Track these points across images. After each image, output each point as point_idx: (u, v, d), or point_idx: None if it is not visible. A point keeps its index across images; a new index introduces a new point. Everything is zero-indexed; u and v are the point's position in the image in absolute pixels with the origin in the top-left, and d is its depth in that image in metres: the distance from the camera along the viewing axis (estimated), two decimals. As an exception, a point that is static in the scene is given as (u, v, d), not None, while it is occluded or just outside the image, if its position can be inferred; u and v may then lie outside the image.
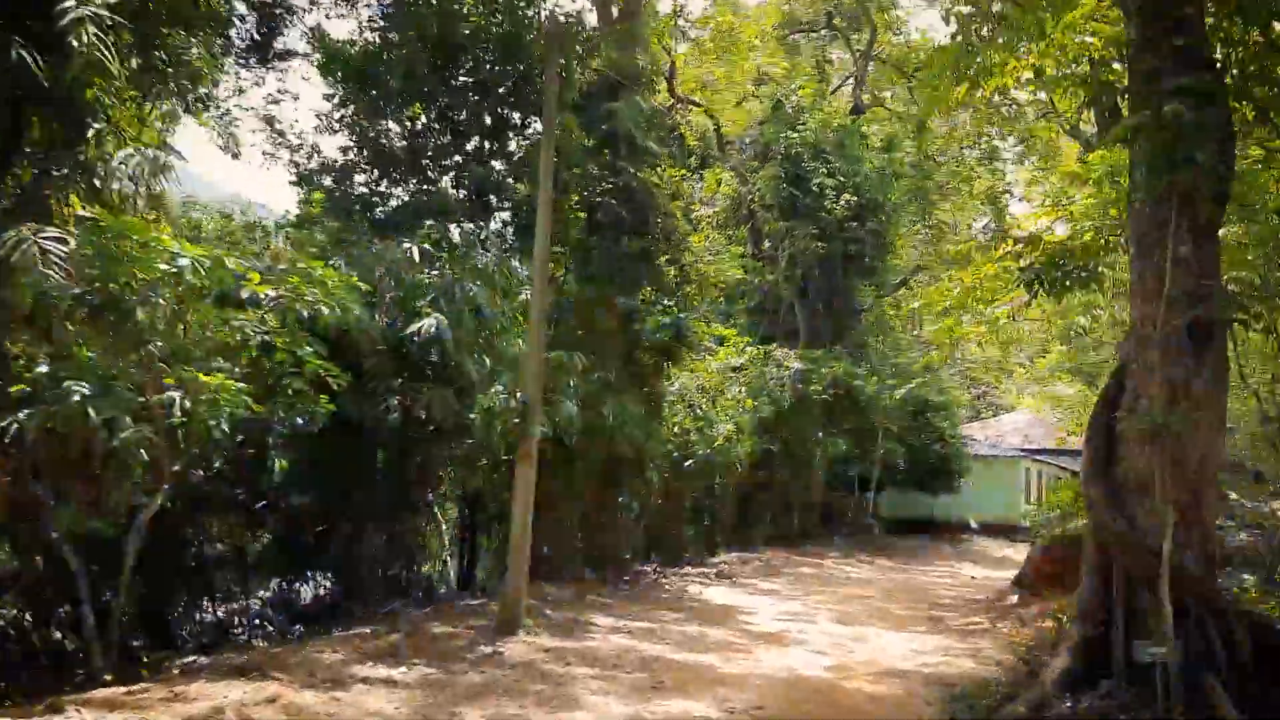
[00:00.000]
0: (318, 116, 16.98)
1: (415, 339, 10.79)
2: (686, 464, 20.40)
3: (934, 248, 33.01)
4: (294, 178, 16.37)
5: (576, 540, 17.64)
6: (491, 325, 12.15)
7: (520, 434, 10.97)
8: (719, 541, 23.79)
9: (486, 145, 16.09)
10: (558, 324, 17.41)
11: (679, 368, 19.25)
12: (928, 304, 15.35)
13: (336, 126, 16.99)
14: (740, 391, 22.05)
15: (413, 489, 12.24)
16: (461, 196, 15.47)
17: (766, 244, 30.06)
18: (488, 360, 12.26)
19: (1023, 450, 39.03)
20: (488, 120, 15.99)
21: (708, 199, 31.29)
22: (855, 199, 27.93)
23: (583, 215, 17.26)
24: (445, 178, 15.90)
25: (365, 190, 16.26)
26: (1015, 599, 17.56)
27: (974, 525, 35.10)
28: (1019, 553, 31.45)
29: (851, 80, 33.95)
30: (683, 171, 21.44)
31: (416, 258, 11.25)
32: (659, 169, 17.58)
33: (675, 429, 19.69)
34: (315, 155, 16.94)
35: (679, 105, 28.80)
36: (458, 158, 16.09)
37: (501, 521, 16.44)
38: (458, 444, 11.90)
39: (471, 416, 10.78)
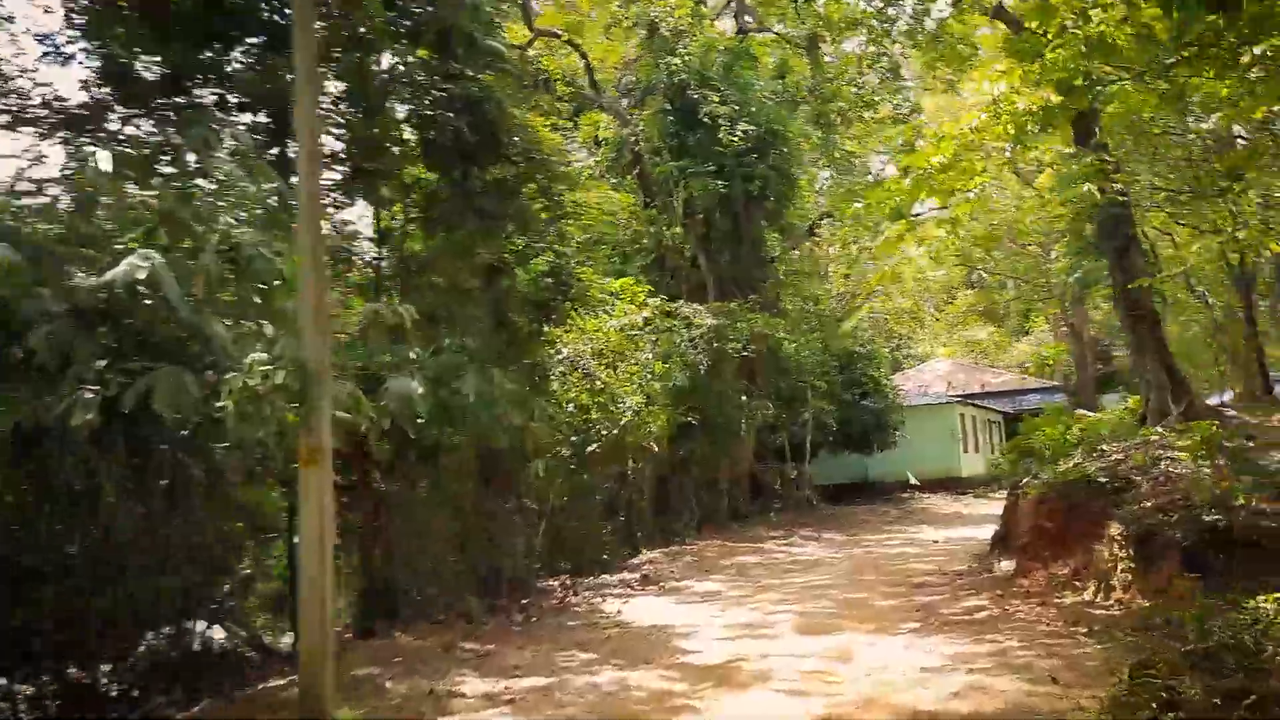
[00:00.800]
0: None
1: (117, 292, 6.71)
2: (590, 448, 16.62)
3: (842, 183, 29.77)
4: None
5: (451, 564, 13.70)
6: (265, 274, 8.09)
7: (302, 423, 7.00)
8: (640, 536, 20.07)
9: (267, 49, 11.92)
10: (405, 287, 13.51)
11: (565, 331, 15.43)
12: (875, 202, 11.78)
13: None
14: (647, 356, 18.32)
15: (165, 523, 8.11)
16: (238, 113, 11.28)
17: (659, 195, 26.35)
18: (267, 326, 8.21)
19: (954, 397, 36.26)
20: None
21: (586, 147, 27.49)
22: (753, 129, 24.41)
23: (413, 140, 13.27)
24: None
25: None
26: (1007, 566, 14.26)
27: (914, 482, 32.20)
28: (968, 507, 28.63)
29: (732, 2, 30.44)
30: (553, 120, 17.59)
31: (104, 166, 7.10)
32: (510, 76, 13.64)
33: (570, 406, 15.86)
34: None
35: (540, 38, 24.87)
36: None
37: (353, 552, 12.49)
38: (215, 447, 7.80)
39: (221, 404, 6.76)
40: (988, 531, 20.96)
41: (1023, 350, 60.91)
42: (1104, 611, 10.14)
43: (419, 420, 10.34)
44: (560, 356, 15.43)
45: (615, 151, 26.76)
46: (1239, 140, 24.39)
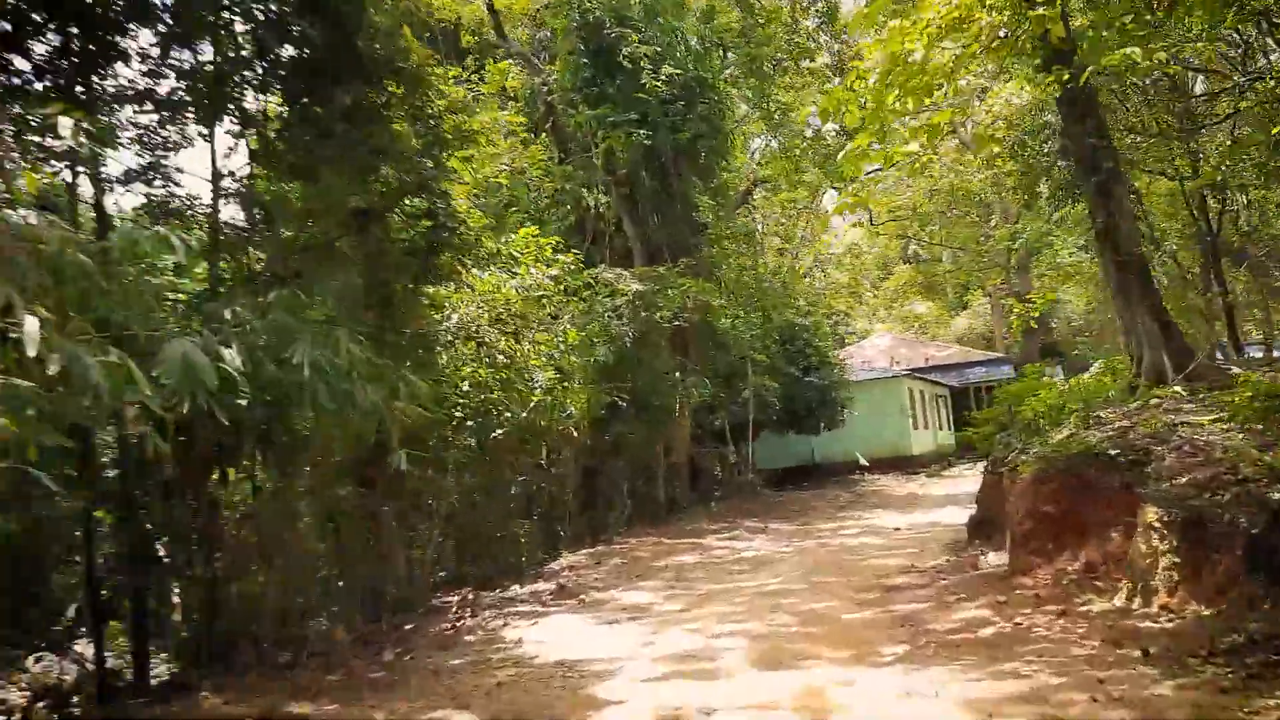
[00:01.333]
0: None
1: None
2: (494, 434, 13.88)
3: (776, 138, 27.31)
4: None
5: (316, 585, 10.90)
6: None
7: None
8: (564, 536, 17.41)
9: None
10: (249, 240, 10.75)
11: (453, 292, 12.62)
12: (833, 108, 9.20)
13: None
14: (562, 326, 15.56)
15: None
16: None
17: (577, 152, 23.58)
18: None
19: (902, 370, 34.12)
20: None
21: (495, 102, 24.55)
22: (679, 74, 21.76)
23: (248, 53, 10.37)
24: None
25: None
26: (995, 560, 11.89)
27: (863, 462, 29.99)
28: (924, 488, 26.48)
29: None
30: (455, 72, 14.73)
31: None
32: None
33: (466, 385, 13.08)
34: None
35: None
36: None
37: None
38: None
39: None
40: (953, 516, 18.72)
41: (962, 325, 59.59)
42: (1151, 624, 7.72)
43: (241, 400, 7.59)
44: (450, 324, 12.61)
45: (527, 104, 23.92)
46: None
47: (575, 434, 15.88)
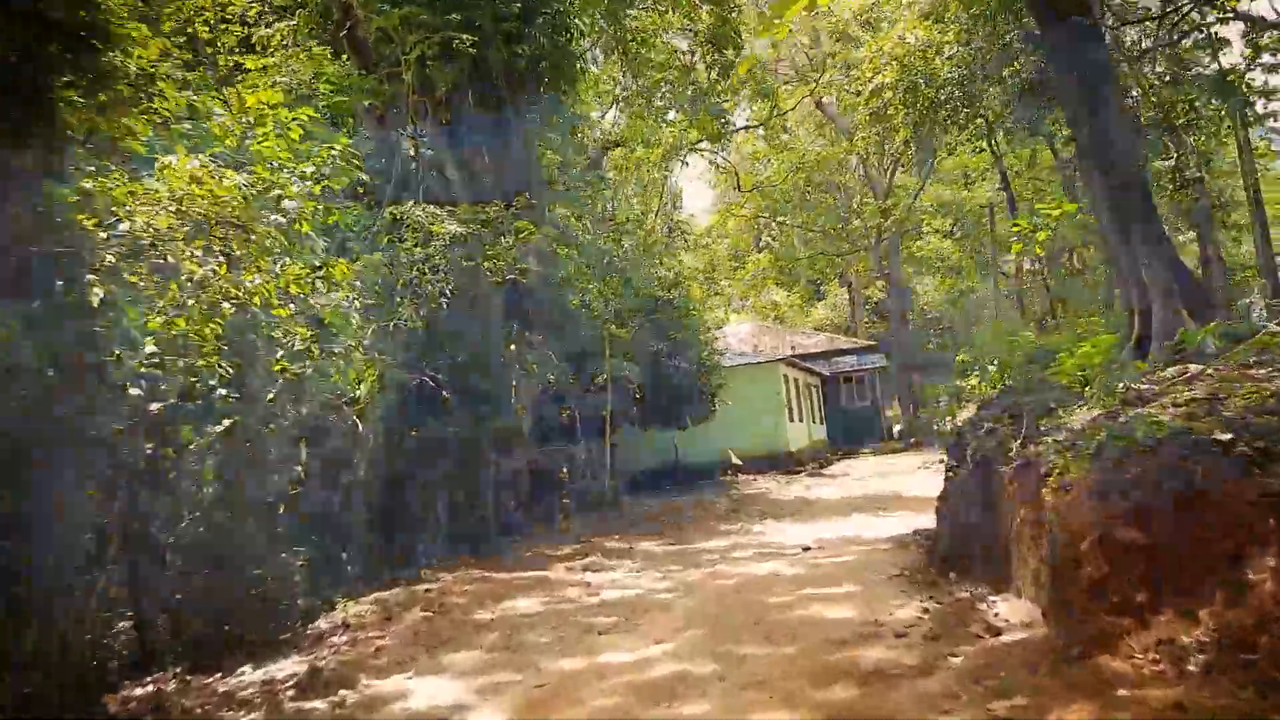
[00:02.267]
0: None
1: None
2: (214, 430, 8.66)
3: (628, 72, 22.76)
4: None
5: None
6: None
7: None
8: (350, 573, 12.23)
9: None
10: None
11: (118, 184, 7.34)
12: None
13: None
14: (320, 256, 10.27)
15: None
16: None
17: (383, 66, 18.29)
18: None
19: (778, 355, 30.13)
20: None
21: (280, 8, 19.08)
22: (514, -31, 16.89)
23: None
24: None
25: None
26: (1016, 613, 7.56)
27: (735, 461, 25.78)
28: (811, 490, 22.43)
29: None
30: None
31: None
32: None
33: (149, 345, 7.80)
34: None
35: None
36: None
37: None
38: None
39: None
40: (872, 528, 14.58)
41: (819, 316, 56.76)
42: None
43: None
44: (116, 234, 7.31)
45: (319, 9, 18.51)
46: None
47: (357, 425, 10.78)
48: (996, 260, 31.02)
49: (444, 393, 14.04)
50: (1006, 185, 25.77)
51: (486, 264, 14.13)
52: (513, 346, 15.24)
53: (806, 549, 13.13)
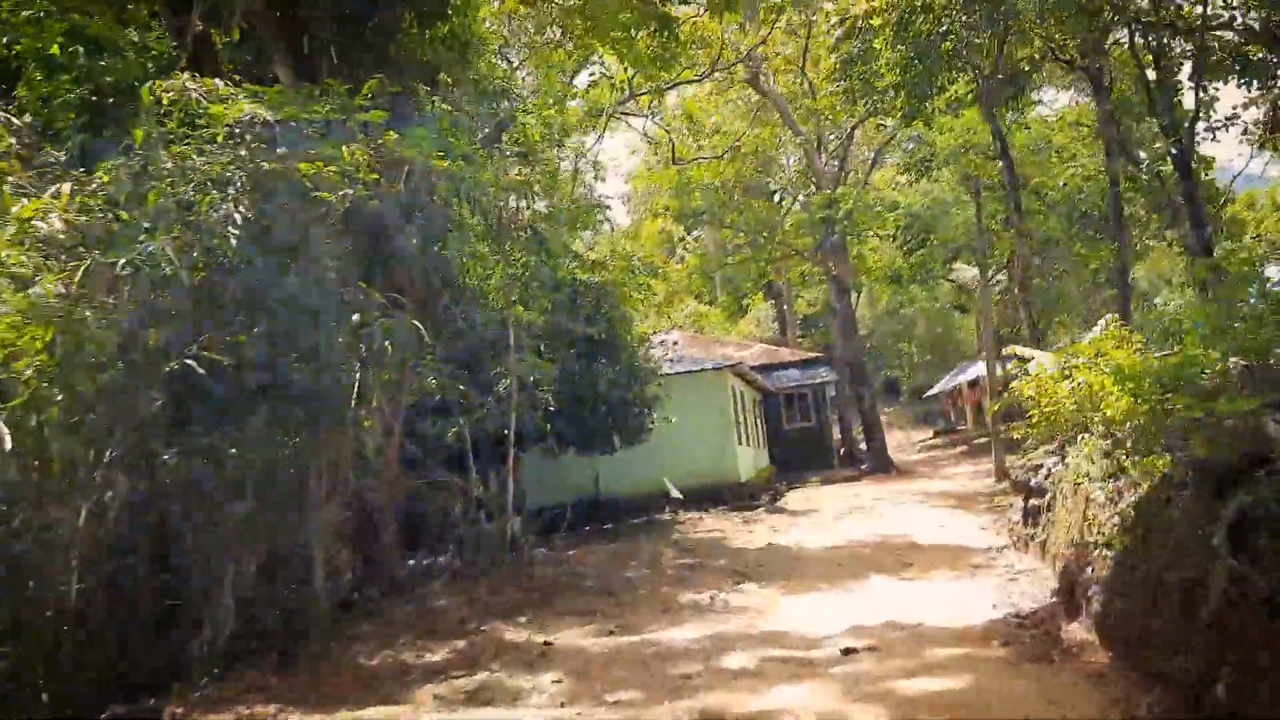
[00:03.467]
0: None
1: None
2: None
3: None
4: None
5: None
6: None
7: None
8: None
9: None
10: None
11: None
12: None
13: None
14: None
15: None
16: None
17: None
18: None
19: (725, 362, 24.79)
20: None
21: None
22: None
23: None
24: None
25: None
26: None
27: (674, 494, 20.31)
28: (779, 532, 17.04)
29: None
30: None
31: None
32: None
33: None
34: None
35: None
36: None
37: None
38: None
39: None
40: (908, 599, 9.41)
41: (744, 331, 51.77)
42: None
43: None
44: None
45: None
46: None
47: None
48: (983, 259, 26.60)
49: (238, 389, 8.28)
50: (1005, 155, 21.09)
51: (308, 176, 8.42)
52: (359, 321, 9.50)
53: (850, 652, 7.75)
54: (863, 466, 31.78)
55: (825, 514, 19.03)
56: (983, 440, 41.99)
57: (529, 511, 16.54)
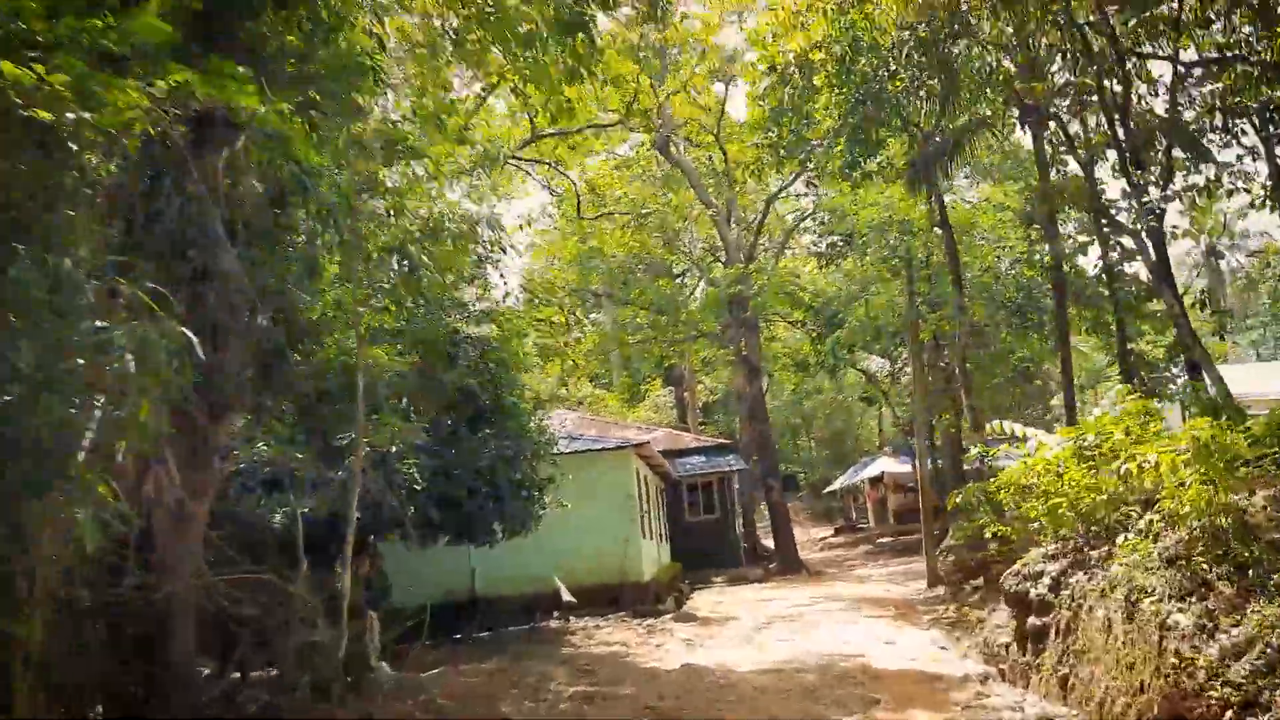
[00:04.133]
0: None
1: None
2: None
3: None
4: None
5: None
6: None
7: None
8: None
9: None
10: None
11: None
12: None
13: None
14: None
15: None
16: None
17: None
18: None
19: (629, 441, 21.82)
20: None
21: None
22: None
23: None
24: None
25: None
26: None
27: (566, 596, 17.07)
28: (702, 651, 13.44)
29: None
30: None
31: None
32: None
33: None
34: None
35: None
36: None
37: None
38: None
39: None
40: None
41: (641, 418, 48.78)
42: None
43: None
44: None
45: None
46: None
47: None
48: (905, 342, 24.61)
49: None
50: (945, 223, 19.11)
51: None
52: (125, 338, 6.20)
53: None
54: (770, 565, 29.01)
55: (745, 623, 16.04)
56: (887, 540, 39.95)
57: (387, 612, 13.11)
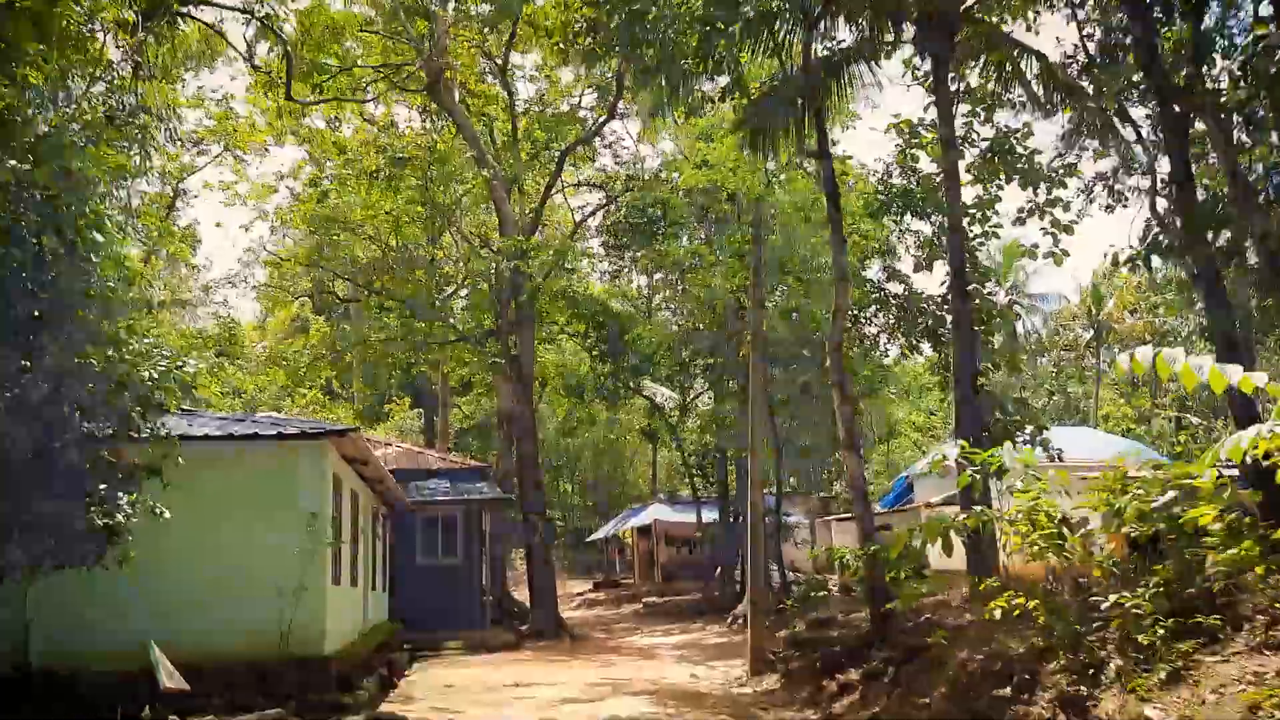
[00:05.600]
0: None
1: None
2: None
3: None
4: None
5: None
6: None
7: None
8: None
9: None
10: None
11: None
12: None
13: None
14: None
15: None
16: None
17: None
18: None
19: (314, 426, 14.52)
20: None
21: None
22: None
23: None
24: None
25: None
26: None
27: (172, 684, 9.70)
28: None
29: None
30: None
31: None
32: None
33: None
34: None
35: None
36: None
37: None
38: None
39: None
40: None
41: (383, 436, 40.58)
42: None
43: None
44: None
45: None
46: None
47: None
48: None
49: None
50: (833, 192, 13.34)
51: None
52: None
53: None
54: (523, 628, 22.46)
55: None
56: (655, 599, 34.06)
57: None
